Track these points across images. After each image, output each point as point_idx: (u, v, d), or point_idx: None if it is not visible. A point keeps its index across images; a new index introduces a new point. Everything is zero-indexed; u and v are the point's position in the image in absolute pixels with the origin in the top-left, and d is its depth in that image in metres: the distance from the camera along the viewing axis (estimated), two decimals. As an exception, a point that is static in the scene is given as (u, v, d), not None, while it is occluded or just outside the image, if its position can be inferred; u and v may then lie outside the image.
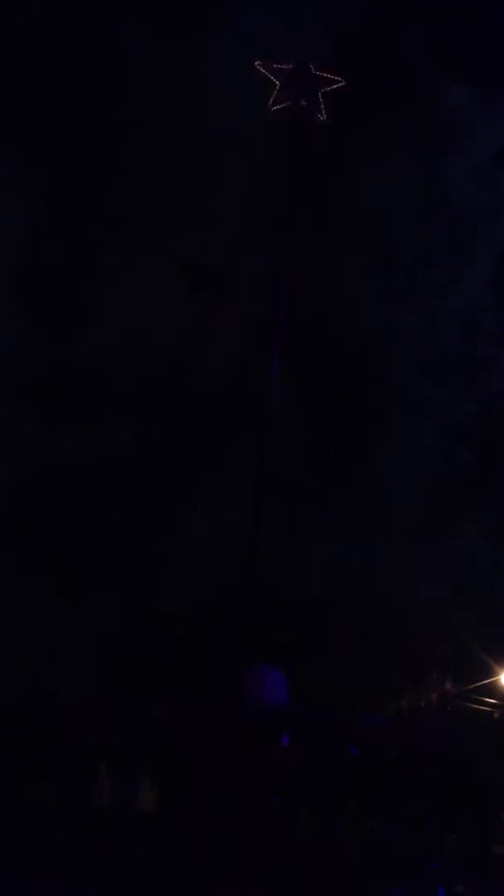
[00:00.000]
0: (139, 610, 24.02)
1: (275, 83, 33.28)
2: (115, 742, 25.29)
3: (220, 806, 22.28)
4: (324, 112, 33.46)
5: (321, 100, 33.36)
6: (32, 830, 23.31)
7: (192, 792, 22.79)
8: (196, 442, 26.63)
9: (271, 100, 33.51)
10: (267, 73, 33.27)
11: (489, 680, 22.68)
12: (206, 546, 24.04)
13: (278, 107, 33.38)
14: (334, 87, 33.31)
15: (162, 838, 23.35)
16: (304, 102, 33.06)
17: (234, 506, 24.81)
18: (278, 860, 21.73)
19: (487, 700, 22.37)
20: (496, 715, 22.65)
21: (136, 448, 26.91)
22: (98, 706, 22.40)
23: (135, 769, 26.76)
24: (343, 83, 33.26)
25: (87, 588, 24.69)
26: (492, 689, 22.96)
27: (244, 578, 23.79)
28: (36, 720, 23.43)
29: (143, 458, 26.70)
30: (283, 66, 33.14)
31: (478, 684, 22.60)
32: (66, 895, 18.06)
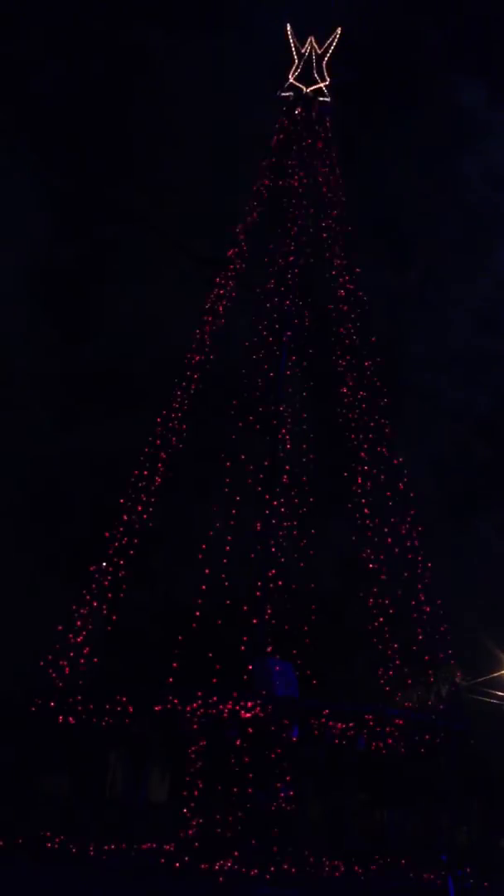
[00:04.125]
0: (152, 602, 24.14)
1: (286, 79, 33.50)
2: (126, 733, 25.41)
3: (230, 797, 22.34)
4: (332, 105, 33.60)
5: (331, 95, 33.50)
6: (46, 822, 23.47)
7: (202, 783, 22.87)
8: (209, 437, 26.72)
9: (281, 95, 33.70)
10: (279, 69, 33.51)
11: (499, 673, 22.59)
12: (219, 540, 24.09)
13: (286, 98, 33.56)
14: (345, 79, 33.48)
15: (172, 828, 23.46)
16: (314, 97, 33.20)
17: (246, 500, 24.86)
18: (287, 851, 21.77)
19: (497, 693, 22.29)
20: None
21: (149, 443, 27.02)
22: (109, 698, 22.48)
23: (145, 760, 26.84)
24: (352, 77, 33.41)
25: (99, 579, 24.81)
26: (501, 682, 22.86)
27: (256, 572, 23.85)
28: (46, 713, 23.56)
29: (156, 453, 26.82)
30: (294, 62, 33.31)
31: (487, 677, 22.52)
32: (77, 885, 18.12)
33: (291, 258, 28.92)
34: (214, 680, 21.48)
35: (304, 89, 33.30)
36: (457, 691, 22.85)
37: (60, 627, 24.05)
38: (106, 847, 21.68)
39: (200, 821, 22.37)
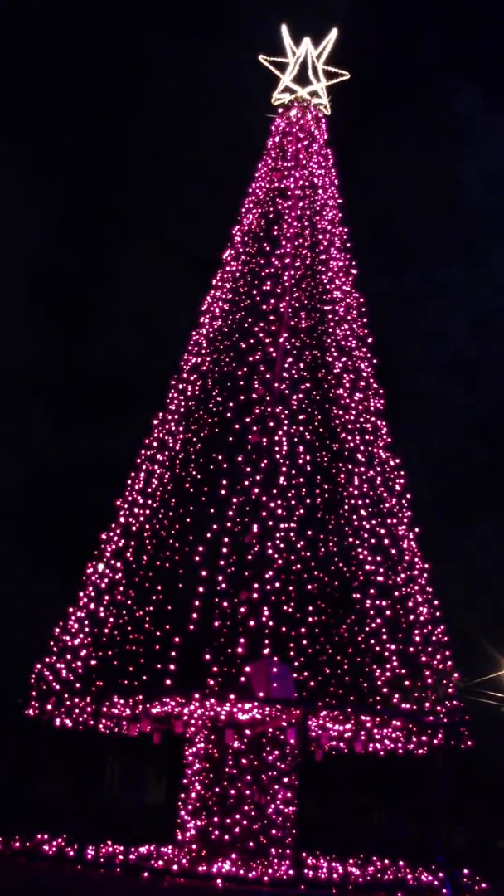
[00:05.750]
0: (149, 605, 24.08)
1: (279, 79, 33.51)
2: (123, 736, 25.41)
3: (229, 799, 22.33)
4: (328, 107, 33.62)
5: (327, 97, 33.52)
6: (43, 824, 23.48)
7: (199, 785, 22.85)
8: (206, 438, 26.68)
9: (274, 96, 33.73)
10: (272, 69, 33.49)
11: (497, 674, 22.53)
12: (217, 542, 24.04)
13: (282, 100, 33.59)
14: (341, 80, 33.45)
15: (169, 830, 23.47)
16: (310, 99, 33.22)
17: (244, 502, 24.80)
18: (286, 853, 21.77)
19: (495, 694, 22.23)
20: (503, 709, 22.49)
21: (146, 445, 27.04)
22: (105, 701, 22.45)
23: (143, 763, 26.87)
24: (348, 77, 33.37)
25: (97, 581, 24.80)
26: (500, 683, 22.81)
27: (252, 573, 23.79)
28: (43, 716, 23.55)
29: (153, 454, 26.82)
30: (287, 63, 33.32)
31: (486, 678, 22.47)
32: (75, 887, 18.08)
33: (287, 260, 28.93)
34: (211, 682, 21.42)
35: (300, 91, 33.35)
36: (455, 693, 22.83)
37: (57, 630, 24.05)
38: (103, 849, 21.67)
39: (198, 823, 22.38)
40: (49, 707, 23.11)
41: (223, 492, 24.46)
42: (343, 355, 28.13)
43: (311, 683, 24.54)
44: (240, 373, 26.49)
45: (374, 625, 24.02)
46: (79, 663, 23.31)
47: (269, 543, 24.07)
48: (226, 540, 23.66)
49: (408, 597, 24.72)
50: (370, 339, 29.08)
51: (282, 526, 25.42)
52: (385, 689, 23.25)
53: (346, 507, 25.96)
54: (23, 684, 23.70)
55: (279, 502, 24.95)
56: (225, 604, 22.76)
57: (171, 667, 21.24)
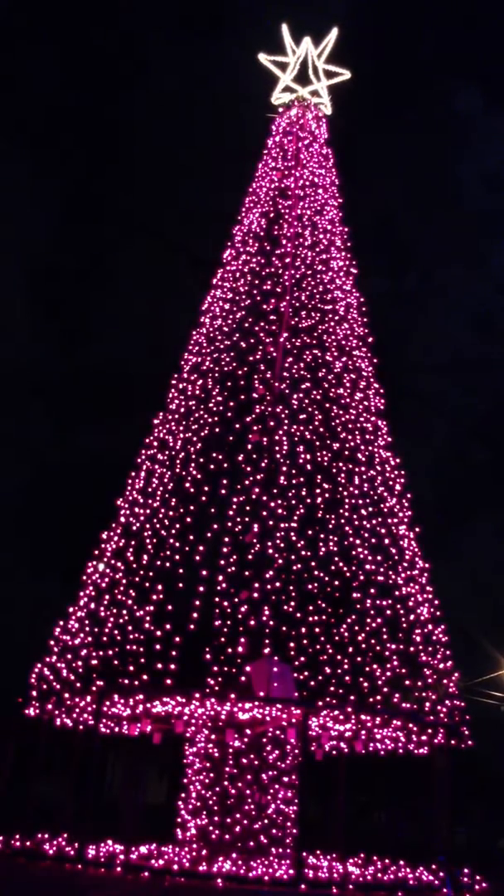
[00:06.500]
0: (146, 603, 24.06)
1: (279, 78, 33.51)
2: (123, 736, 25.40)
3: (229, 799, 22.33)
4: (329, 106, 33.66)
5: (328, 95, 33.54)
6: (43, 824, 23.47)
7: (199, 785, 22.86)
8: (206, 438, 26.66)
9: (275, 95, 33.75)
10: (272, 68, 33.50)
11: (497, 673, 22.51)
12: (217, 542, 24.06)
13: (281, 101, 33.63)
14: (340, 80, 33.48)
15: (170, 829, 23.47)
16: (310, 99, 33.24)
17: (244, 502, 24.81)
18: (286, 853, 21.77)
19: (496, 693, 22.20)
20: (503, 708, 22.47)
21: (146, 444, 27.05)
22: (106, 700, 22.44)
23: (143, 763, 26.84)
24: (348, 77, 33.40)
25: (97, 581, 24.81)
26: (500, 683, 22.78)
27: (252, 572, 23.81)
28: (43, 715, 23.53)
29: (153, 454, 26.82)
30: (288, 62, 33.33)
31: (486, 677, 22.45)
32: (74, 887, 18.04)
33: (288, 259, 28.95)
34: (212, 682, 21.44)
35: (300, 90, 33.37)
36: (455, 692, 22.84)
37: (57, 629, 24.07)
38: (103, 849, 21.68)
39: (199, 822, 22.40)
40: (49, 707, 23.11)
41: (223, 491, 24.52)
42: (343, 355, 28.13)
43: (312, 683, 24.53)
44: (240, 372, 26.51)
45: (374, 624, 24.02)
46: (79, 663, 23.30)
47: (269, 543, 24.08)
48: (226, 540, 23.72)
49: (408, 596, 24.73)
50: (370, 339, 29.12)
51: (282, 525, 25.38)
52: (385, 689, 23.25)
53: (346, 506, 25.92)
54: (23, 684, 23.70)
55: (279, 502, 24.93)
56: (225, 603, 22.81)
57: (172, 666, 21.27)
